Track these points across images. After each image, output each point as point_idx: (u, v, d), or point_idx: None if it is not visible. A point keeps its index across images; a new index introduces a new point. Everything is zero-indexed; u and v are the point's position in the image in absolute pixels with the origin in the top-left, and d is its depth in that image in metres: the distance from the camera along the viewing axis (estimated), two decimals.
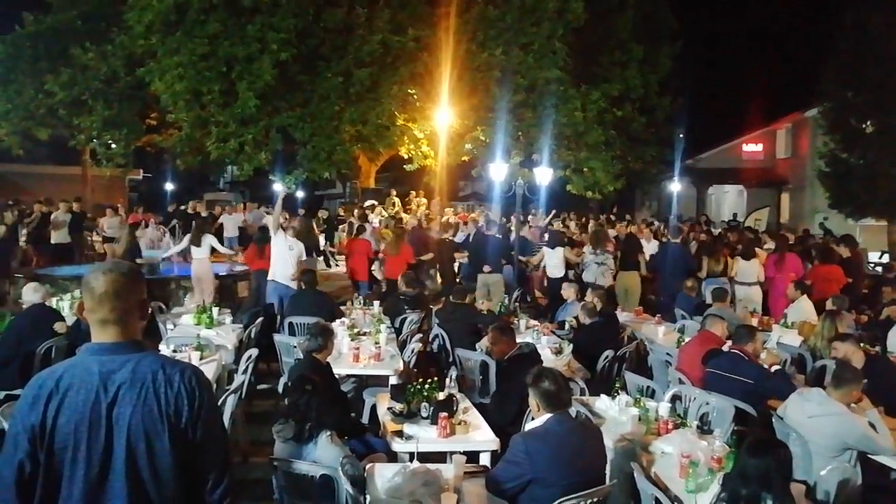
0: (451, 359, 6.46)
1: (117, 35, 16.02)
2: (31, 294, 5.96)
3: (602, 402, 4.81)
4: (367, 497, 3.35)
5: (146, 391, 1.86)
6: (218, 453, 1.99)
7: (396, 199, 19.34)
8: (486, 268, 10.23)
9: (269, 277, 8.74)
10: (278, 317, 8.22)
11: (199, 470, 1.94)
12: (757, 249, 10.36)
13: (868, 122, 17.60)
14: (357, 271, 11.07)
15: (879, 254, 17.15)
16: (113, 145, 17.81)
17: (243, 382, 5.25)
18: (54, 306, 6.79)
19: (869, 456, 4.06)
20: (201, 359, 5.59)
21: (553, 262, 10.46)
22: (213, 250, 9.72)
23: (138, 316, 1.98)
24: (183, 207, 17.13)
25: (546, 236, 11.95)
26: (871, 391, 4.57)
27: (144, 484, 1.85)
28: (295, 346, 5.98)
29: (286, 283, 8.57)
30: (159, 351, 4.92)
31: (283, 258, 8.65)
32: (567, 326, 7.47)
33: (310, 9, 16.01)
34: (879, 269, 13.82)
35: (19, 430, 1.82)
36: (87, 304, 1.93)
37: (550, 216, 14.94)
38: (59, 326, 5.69)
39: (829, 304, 7.35)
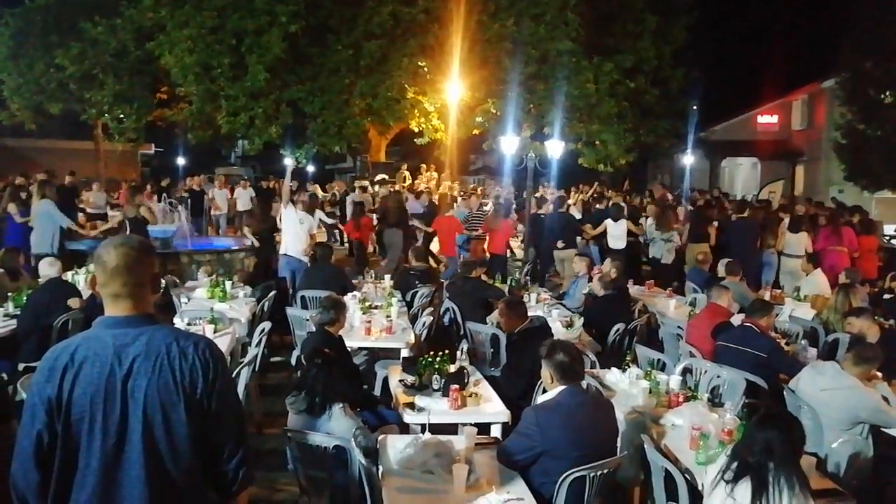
0: (461, 332, 6.49)
1: (126, 8, 15.92)
2: (47, 268, 6.04)
3: (613, 375, 4.83)
4: (380, 468, 3.40)
5: (161, 363, 1.89)
6: (233, 424, 2.01)
7: (407, 173, 19.26)
8: (560, 243, 10.24)
9: (280, 251, 8.80)
10: (290, 290, 8.29)
11: (214, 441, 1.97)
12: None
13: (887, 93, 17.27)
14: (446, 248, 11.06)
15: (895, 227, 16.95)
16: (124, 120, 17.81)
17: (256, 355, 5.30)
18: (70, 280, 6.87)
19: (882, 429, 4.06)
20: (215, 332, 5.64)
21: (616, 233, 10.45)
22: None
23: (150, 289, 2.01)
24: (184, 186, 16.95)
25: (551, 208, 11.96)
26: (885, 365, 4.56)
27: (161, 455, 1.88)
28: (307, 320, 6.02)
29: (298, 257, 8.62)
30: (173, 324, 5.00)
31: (295, 232, 8.69)
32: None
33: None
34: (894, 241, 13.68)
35: (36, 402, 1.86)
36: (100, 279, 1.95)
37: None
38: (73, 302, 5.76)
39: (841, 278, 7.30)
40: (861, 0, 17.38)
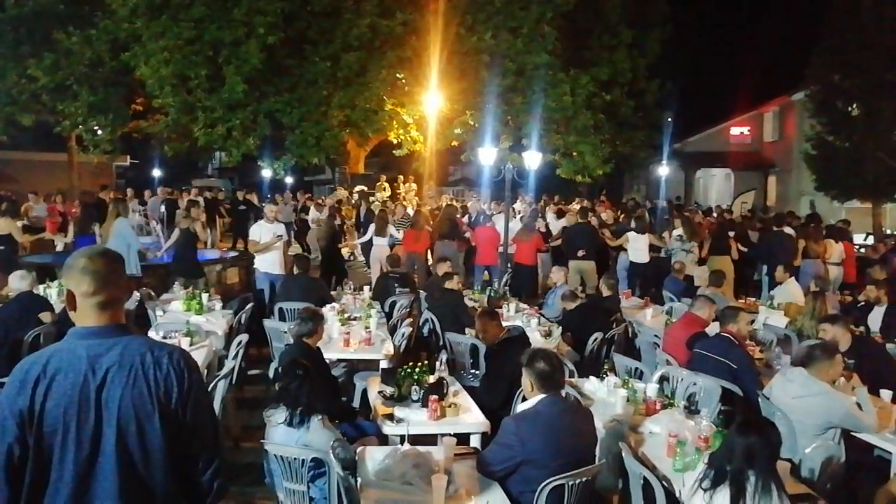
0: (441, 342, 6.48)
1: (101, 19, 15.76)
2: (18, 282, 5.91)
3: (591, 384, 4.86)
4: (359, 480, 3.37)
5: (135, 373, 1.87)
6: (208, 434, 2.00)
7: (386, 185, 19.27)
8: (580, 253, 10.25)
9: (255, 266, 8.77)
10: (267, 302, 8.25)
11: (189, 451, 1.95)
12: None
13: (854, 106, 17.72)
14: (487, 258, 11.04)
15: (864, 236, 17.32)
16: (99, 131, 17.56)
17: (234, 368, 5.24)
18: (42, 293, 6.74)
19: (852, 433, 4.13)
20: (191, 345, 5.57)
21: (638, 245, 10.49)
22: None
23: (125, 300, 2.03)
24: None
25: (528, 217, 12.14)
26: (858, 371, 4.65)
27: (135, 465, 1.86)
28: (285, 332, 5.98)
29: (275, 272, 8.62)
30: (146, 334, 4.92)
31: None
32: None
33: None
34: (864, 250, 13.98)
35: (6, 415, 1.82)
36: (87, 288, 1.91)
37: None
38: (44, 316, 5.65)
39: (812, 286, 7.43)
40: (828, 15, 17.83)
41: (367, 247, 12.01)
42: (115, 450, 1.84)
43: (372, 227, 11.26)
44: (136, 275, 8.34)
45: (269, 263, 8.64)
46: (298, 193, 17.83)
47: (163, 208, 14.87)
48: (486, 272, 10.86)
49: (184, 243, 9.04)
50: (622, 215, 14.17)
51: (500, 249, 11.33)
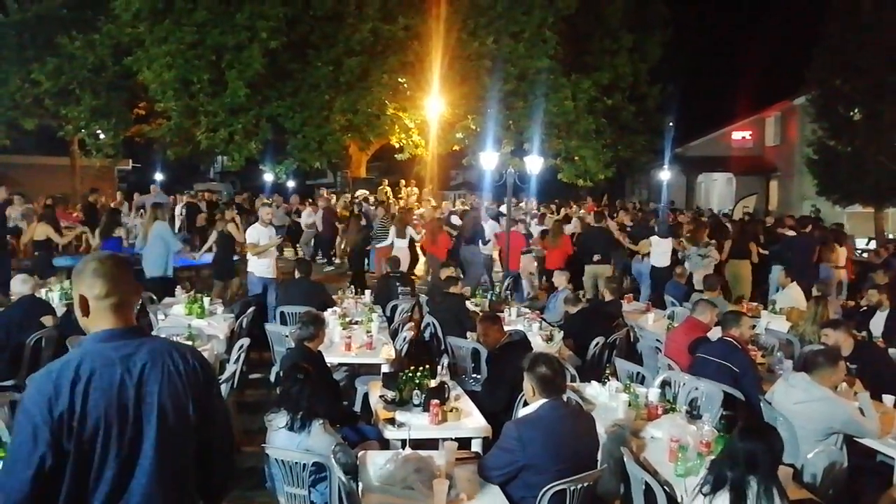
0: (442, 347, 6.48)
1: (104, 24, 15.81)
2: (20, 285, 5.92)
3: (592, 389, 4.86)
4: (360, 484, 3.37)
5: (168, 369, 1.93)
6: (228, 424, 2.15)
7: (388, 189, 19.31)
8: (596, 257, 10.23)
9: (249, 270, 8.78)
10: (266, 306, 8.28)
11: (211, 444, 2.04)
12: None
13: (856, 110, 17.71)
14: (512, 264, 11.06)
15: (866, 240, 17.30)
16: (101, 135, 17.60)
17: (235, 372, 5.25)
18: (44, 297, 6.75)
19: (854, 439, 4.12)
20: None
21: (660, 250, 10.43)
22: (411, 240, 11.50)
23: (136, 302, 2.08)
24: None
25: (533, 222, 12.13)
26: (860, 376, 4.63)
27: (171, 460, 1.92)
28: (287, 336, 5.98)
29: (267, 276, 8.66)
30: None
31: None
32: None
33: None
34: (865, 255, 13.96)
35: (38, 423, 1.77)
36: (101, 290, 1.93)
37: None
38: (46, 320, 5.65)
39: (814, 291, 7.42)
40: (829, 19, 17.85)
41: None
42: (155, 446, 1.88)
43: (392, 231, 11.35)
44: (169, 277, 8.53)
45: (263, 268, 8.64)
46: (292, 197, 17.77)
47: (183, 212, 14.97)
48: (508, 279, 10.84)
49: (221, 245, 9.26)
50: (639, 216, 14.16)
51: (498, 253, 11.37)
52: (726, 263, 10.47)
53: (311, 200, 17.19)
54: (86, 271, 1.96)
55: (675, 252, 10.60)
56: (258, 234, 8.76)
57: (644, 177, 28.02)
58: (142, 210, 14.07)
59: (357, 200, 16.83)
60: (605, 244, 10.53)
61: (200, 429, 1.98)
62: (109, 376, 1.86)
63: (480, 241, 11.35)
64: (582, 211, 15.79)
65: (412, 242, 11.84)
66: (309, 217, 14.71)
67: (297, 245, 15.30)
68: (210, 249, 9.90)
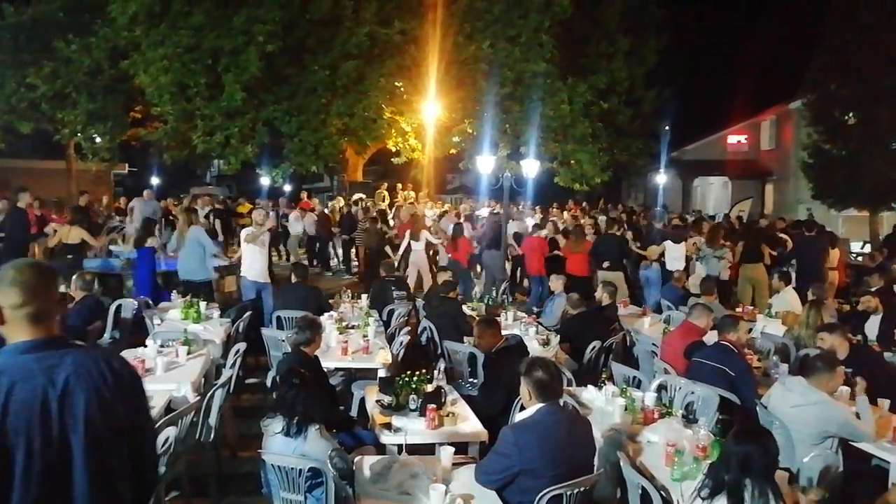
0: (438, 351, 6.48)
1: (100, 27, 15.78)
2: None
3: (589, 393, 4.86)
4: (356, 490, 3.37)
5: (93, 380, 1.88)
6: (153, 434, 2.15)
7: (386, 193, 19.31)
8: (606, 264, 10.20)
9: (242, 274, 8.76)
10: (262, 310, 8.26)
11: (142, 448, 2.02)
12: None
13: (851, 114, 17.79)
14: (533, 269, 11.13)
15: (861, 244, 17.37)
16: (97, 139, 17.55)
17: (231, 377, 5.24)
18: None
19: (850, 443, 4.13)
20: (189, 353, 5.56)
21: (674, 254, 10.44)
22: (428, 243, 11.56)
23: (56, 313, 2.02)
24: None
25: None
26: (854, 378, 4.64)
27: (104, 471, 1.87)
28: (283, 340, 5.97)
29: (260, 280, 8.62)
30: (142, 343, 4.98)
31: (253, 254, 8.63)
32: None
33: (296, 0, 15.90)
34: (860, 259, 14.01)
35: None
36: (16, 300, 1.88)
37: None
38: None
39: (810, 294, 7.45)
40: (826, 24, 17.93)
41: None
42: (85, 457, 1.84)
43: (408, 234, 11.39)
44: (209, 279, 8.60)
45: (256, 272, 8.61)
46: (281, 200, 17.73)
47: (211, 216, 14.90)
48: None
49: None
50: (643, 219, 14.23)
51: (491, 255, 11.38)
52: (739, 267, 10.43)
53: (293, 204, 17.14)
54: (3, 280, 1.90)
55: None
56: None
57: (640, 180, 28.10)
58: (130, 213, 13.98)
59: (362, 203, 16.79)
60: (615, 251, 10.49)
61: (131, 435, 1.95)
62: (32, 389, 1.81)
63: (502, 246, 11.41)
64: (567, 214, 15.84)
65: (428, 246, 11.85)
66: (297, 221, 14.70)
67: (283, 247, 15.34)
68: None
